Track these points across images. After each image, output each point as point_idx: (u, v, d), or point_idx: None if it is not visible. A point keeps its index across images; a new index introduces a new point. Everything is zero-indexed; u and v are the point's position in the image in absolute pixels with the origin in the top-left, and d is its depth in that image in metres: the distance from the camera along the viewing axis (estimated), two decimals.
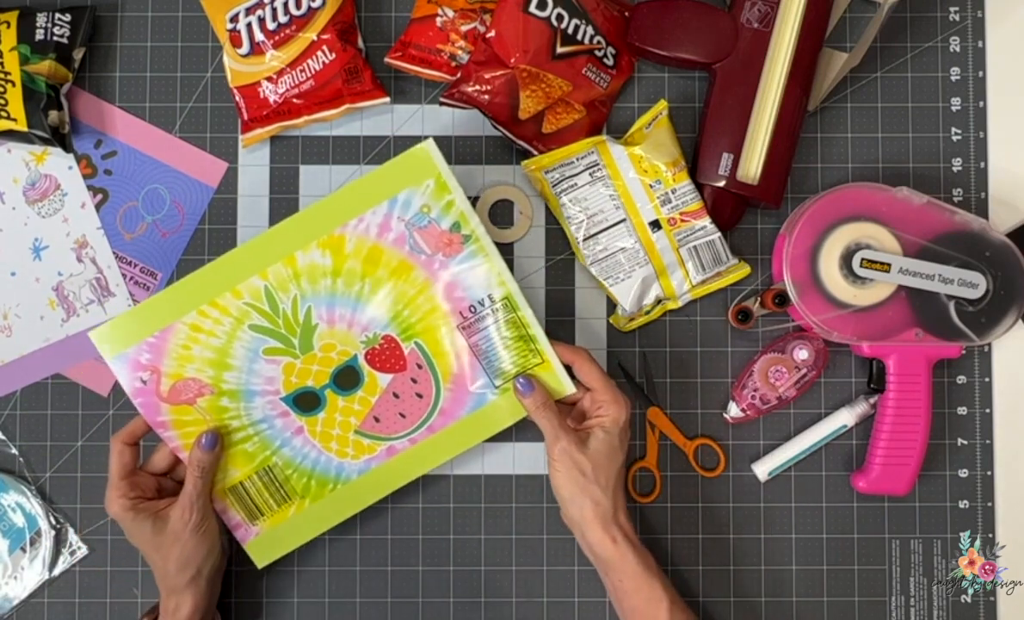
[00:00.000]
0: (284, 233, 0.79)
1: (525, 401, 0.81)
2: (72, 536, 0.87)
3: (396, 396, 0.82)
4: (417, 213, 0.79)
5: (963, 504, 0.88)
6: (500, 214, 0.89)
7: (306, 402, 0.82)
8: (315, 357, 0.81)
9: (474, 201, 0.88)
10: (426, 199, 0.78)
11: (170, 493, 0.81)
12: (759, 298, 0.87)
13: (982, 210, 0.89)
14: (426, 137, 0.78)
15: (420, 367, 0.82)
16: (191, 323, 0.79)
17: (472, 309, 0.81)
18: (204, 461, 0.80)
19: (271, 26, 0.85)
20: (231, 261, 0.79)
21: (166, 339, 0.79)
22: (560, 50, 0.85)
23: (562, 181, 0.86)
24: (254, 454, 0.82)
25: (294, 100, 0.86)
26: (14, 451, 0.88)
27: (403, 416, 0.83)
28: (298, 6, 0.85)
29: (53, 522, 0.87)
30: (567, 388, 0.83)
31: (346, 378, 0.82)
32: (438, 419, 0.83)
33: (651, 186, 0.85)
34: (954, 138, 0.89)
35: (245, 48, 0.86)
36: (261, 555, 0.84)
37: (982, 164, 0.89)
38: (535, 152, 0.86)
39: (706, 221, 0.85)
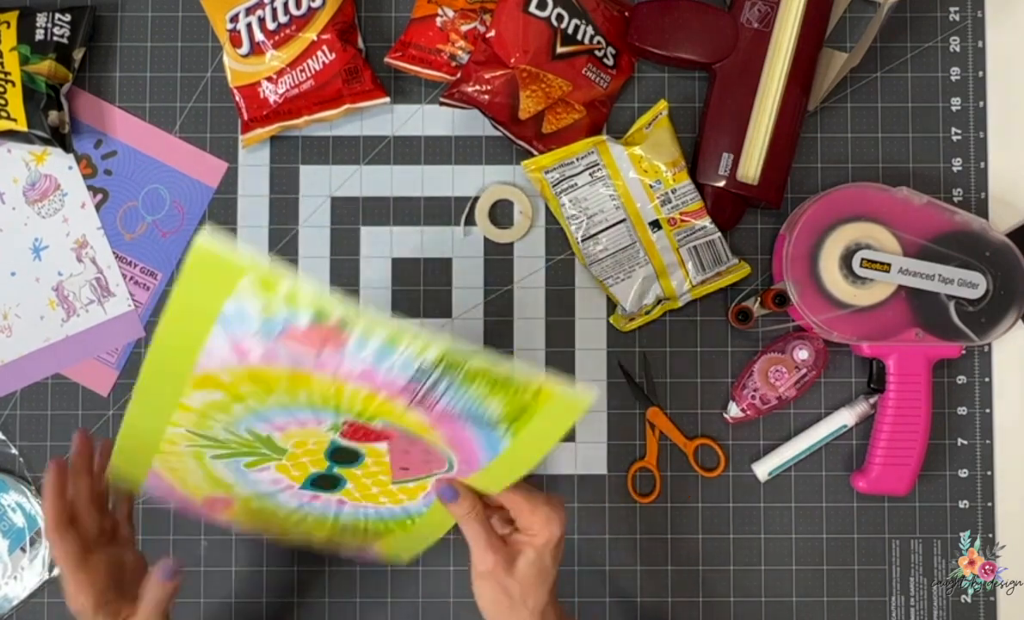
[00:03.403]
0: (149, 397, 0.64)
1: (450, 508, 0.71)
2: None
3: (407, 451, 0.70)
4: (262, 322, 0.59)
5: (963, 504, 0.88)
6: (500, 214, 0.89)
7: (326, 482, 0.73)
8: (297, 454, 0.70)
9: (474, 201, 0.88)
10: (256, 303, 0.58)
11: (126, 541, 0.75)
12: (759, 298, 0.87)
13: (982, 210, 0.89)
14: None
15: (407, 437, 0.68)
16: (167, 466, 0.70)
17: (412, 384, 0.62)
18: (163, 592, 0.71)
19: (271, 26, 0.85)
20: (132, 430, 0.67)
21: (160, 475, 0.71)
22: (560, 50, 0.85)
23: (562, 181, 0.86)
24: (322, 522, 0.77)
25: (294, 100, 0.86)
26: (14, 451, 0.88)
27: (428, 455, 0.70)
28: (298, 6, 0.85)
29: None
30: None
31: (343, 456, 0.71)
32: (462, 467, 0.70)
33: (651, 186, 0.85)
34: (954, 138, 0.89)
35: (245, 48, 0.86)
36: (399, 553, 0.82)
37: (982, 164, 0.89)
38: (535, 152, 0.86)
39: (706, 221, 0.85)
